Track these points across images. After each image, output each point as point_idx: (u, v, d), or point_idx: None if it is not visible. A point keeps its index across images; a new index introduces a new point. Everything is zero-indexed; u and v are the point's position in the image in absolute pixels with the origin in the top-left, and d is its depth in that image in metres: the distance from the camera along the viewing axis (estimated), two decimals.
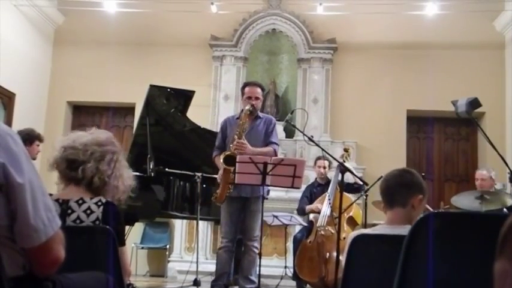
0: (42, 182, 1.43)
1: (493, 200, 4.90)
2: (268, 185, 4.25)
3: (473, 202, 4.87)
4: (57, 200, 2.04)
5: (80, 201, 2.07)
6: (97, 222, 2.04)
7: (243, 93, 4.69)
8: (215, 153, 4.63)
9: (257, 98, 4.62)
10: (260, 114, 4.74)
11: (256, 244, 4.48)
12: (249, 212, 4.51)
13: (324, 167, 5.96)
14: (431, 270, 1.47)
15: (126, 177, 2.22)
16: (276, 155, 4.53)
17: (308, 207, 5.83)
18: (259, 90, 4.67)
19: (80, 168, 2.08)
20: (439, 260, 1.49)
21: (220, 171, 4.45)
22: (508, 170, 3.98)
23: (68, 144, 2.12)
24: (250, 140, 4.47)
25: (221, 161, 4.36)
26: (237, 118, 4.65)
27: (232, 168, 4.29)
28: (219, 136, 4.71)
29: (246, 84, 4.78)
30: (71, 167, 2.09)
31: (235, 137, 4.40)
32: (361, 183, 5.58)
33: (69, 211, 2.05)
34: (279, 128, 7.43)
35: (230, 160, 4.31)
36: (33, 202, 1.34)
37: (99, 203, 2.07)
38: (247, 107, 4.50)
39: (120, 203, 2.21)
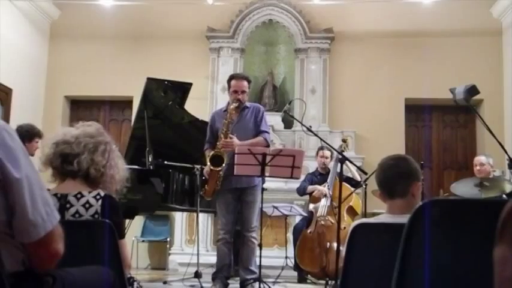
0: (40, 176, 1.42)
1: (492, 187, 4.90)
2: (266, 176, 4.25)
3: (472, 189, 4.87)
4: (55, 195, 2.04)
5: (79, 195, 2.06)
6: (96, 216, 2.04)
7: (229, 86, 4.67)
8: (206, 147, 4.65)
9: (243, 92, 4.60)
10: (247, 104, 4.71)
11: (254, 235, 4.49)
12: (246, 203, 4.51)
13: (327, 157, 5.95)
14: (428, 257, 1.47)
15: (120, 167, 2.23)
16: (267, 144, 4.52)
17: (311, 187, 5.81)
18: (245, 83, 4.64)
19: (75, 160, 2.08)
20: (439, 247, 1.49)
21: (207, 168, 4.45)
22: (506, 157, 3.98)
23: (59, 140, 2.12)
24: (239, 131, 4.45)
25: (208, 161, 4.36)
26: (224, 111, 4.62)
27: (219, 169, 4.30)
28: (208, 130, 4.71)
29: (232, 77, 4.74)
30: (66, 160, 2.09)
31: (221, 136, 4.39)
32: (358, 179, 5.59)
33: (68, 205, 2.05)
34: (278, 118, 7.44)
35: (217, 160, 4.31)
36: (31, 197, 1.34)
37: (98, 197, 2.07)
38: (233, 105, 4.47)
39: (118, 193, 2.22)
